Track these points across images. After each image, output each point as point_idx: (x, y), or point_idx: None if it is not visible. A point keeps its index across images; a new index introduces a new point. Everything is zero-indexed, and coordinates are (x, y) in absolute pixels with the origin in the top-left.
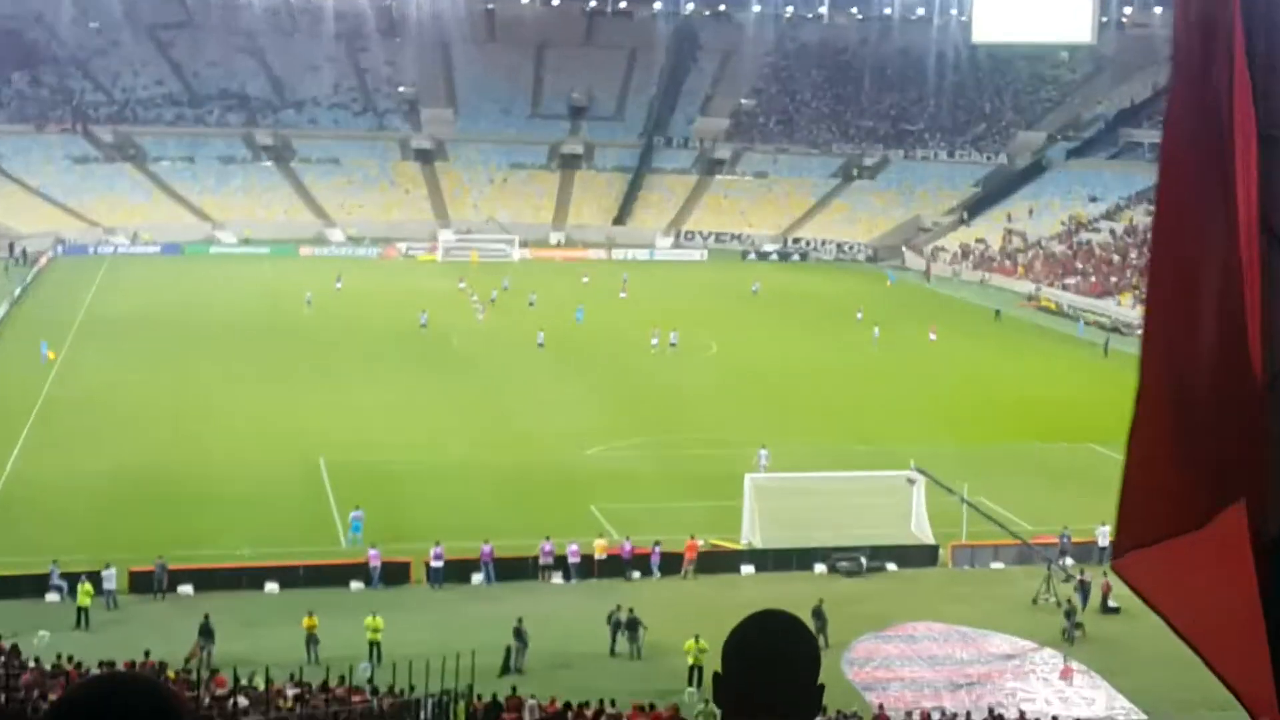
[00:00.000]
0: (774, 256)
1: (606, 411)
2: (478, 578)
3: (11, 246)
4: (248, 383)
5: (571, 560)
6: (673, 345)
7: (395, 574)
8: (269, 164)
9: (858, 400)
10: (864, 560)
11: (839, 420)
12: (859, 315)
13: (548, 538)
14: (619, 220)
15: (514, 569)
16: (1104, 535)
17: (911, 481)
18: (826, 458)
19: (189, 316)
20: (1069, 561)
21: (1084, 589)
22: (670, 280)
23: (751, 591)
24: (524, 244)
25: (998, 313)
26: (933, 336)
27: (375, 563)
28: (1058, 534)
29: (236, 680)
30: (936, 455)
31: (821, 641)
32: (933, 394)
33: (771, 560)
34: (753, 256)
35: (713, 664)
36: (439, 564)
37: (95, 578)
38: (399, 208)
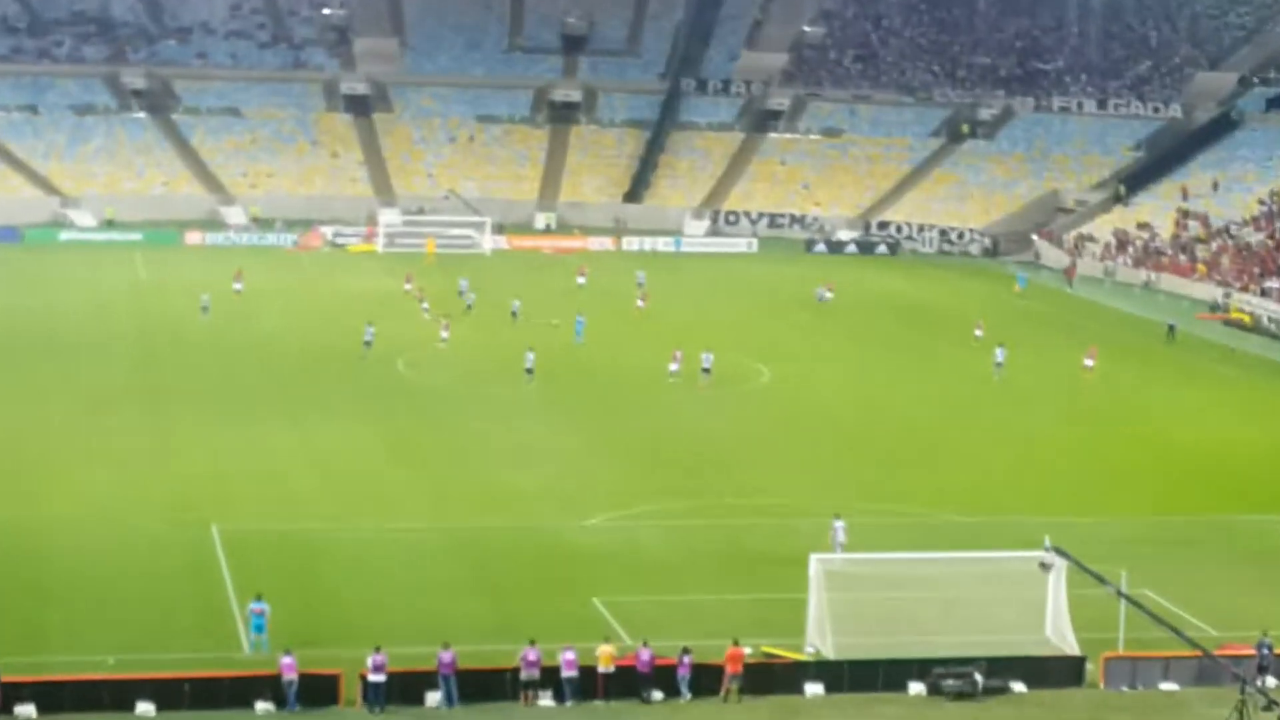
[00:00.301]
0: (851, 248)
1: (615, 465)
2: (434, 697)
3: None
4: (113, 421)
5: (566, 674)
6: (706, 371)
7: (319, 691)
8: (141, 115)
9: (971, 451)
10: (979, 678)
11: (944, 480)
12: (977, 332)
13: (532, 642)
14: (632, 196)
15: (485, 685)
16: None
17: (1046, 567)
18: (924, 533)
19: (29, 329)
20: (1271, 682)
21: None
22: (703, 280)
23: None
24: (499, 229)
25: (1171, 329)
26: (1089, 363)
27: (290, 675)
28: (1255, 642)
29: None
30: (1082, 529)
31: None
32: (1077, 443)
33: (848, 677)
34: (821, 248)
35: None
36: (379, 678)
37: None
38: (323, 178)
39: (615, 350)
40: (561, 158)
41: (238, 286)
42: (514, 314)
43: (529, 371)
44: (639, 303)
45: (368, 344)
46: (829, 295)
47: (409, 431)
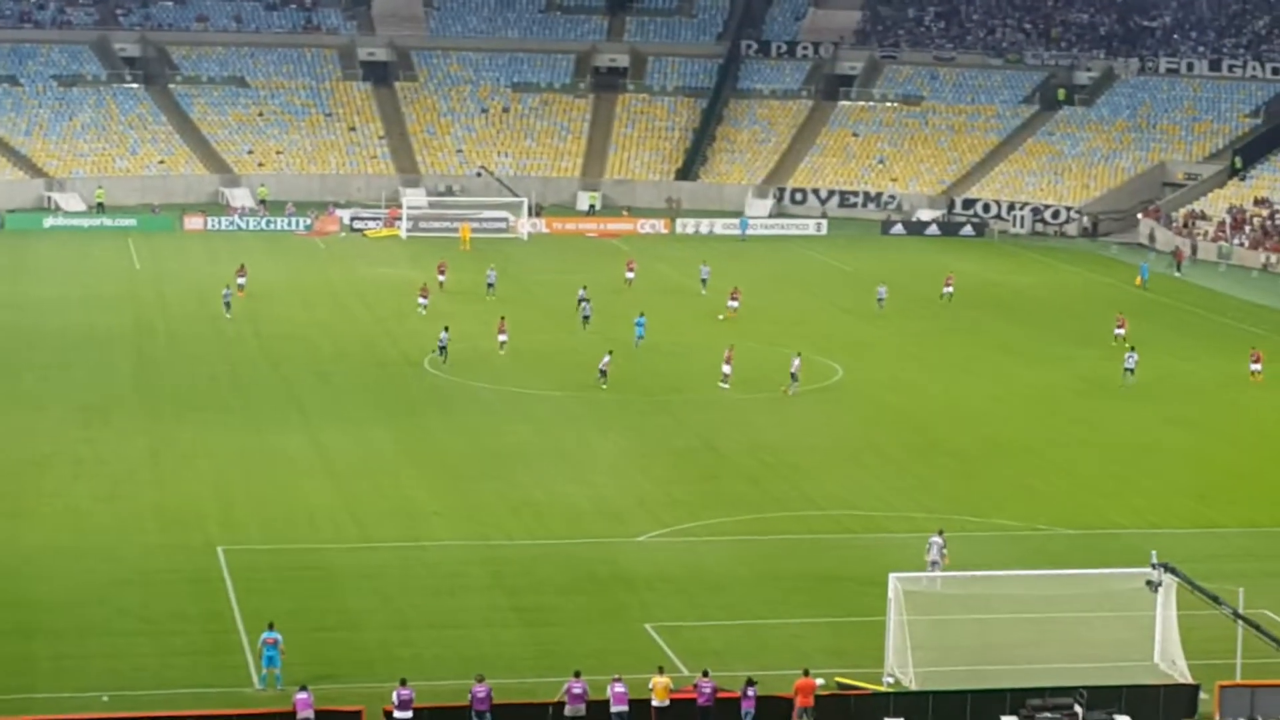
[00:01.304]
0: (932, 229)
1: (670, 475)
2: None
3: None
4: (106, 430)
5: (616, 709)
6: (793, 378)
7: None
8: (134, 86)
9: (1071, 456)
10: (1079, 709)
11: (1041, 489)
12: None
13: (577, 674)
14: (686, 173)
15: None
16: None
17: (1154, 585)
18: (1017, 547)
19: (11, 327)
20: None
21: None
22: (766, 267)
23: None
24: (537, 210)
25: None
26: (1256, 367)
27: (306, 713)
28: None
29: None
30: (1195, 543)
31: None
32: (1190, 448)
33: (932, 710)
34: (899, 229)
35: None
36: (406, 715)
37: None
38: (339, 155)
39: (674, 348)
40: (607, 130)
41: (241, 281)
42: (583, 311)
43: (602, 374)
44: (731, 304)
45: (442, 349)
46: (949, 291)
47: (437, 439)
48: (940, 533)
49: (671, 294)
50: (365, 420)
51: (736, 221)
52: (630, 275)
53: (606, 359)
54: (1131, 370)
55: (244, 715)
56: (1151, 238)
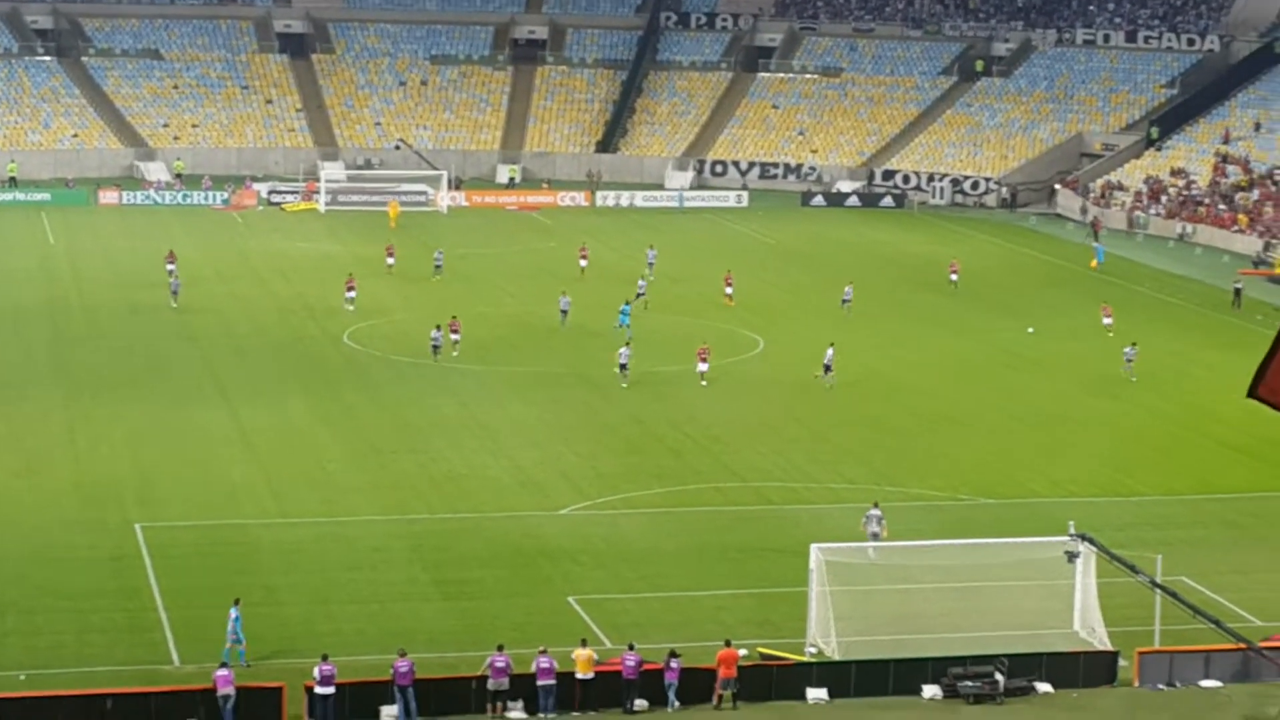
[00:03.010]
0: (853, 201)
1: (591, 448)
2: (390, 711)
3: None
4: (20, 408)
5: (541, 682)
6: (827, 369)
7: (259, 707)
8: (47, 60)
9: (990, 426)
10: (1001, 678)
11: (962, 459)
12: (1106, 320)
13: (500, 647)
14: (606, 145)
15: (448, 696)
16: None
17: (1072, 556)
18: (938, 518)
19: None
20: None
21: None
22: (688, 239)
23: None
24: (457, 183)
25: (1238, 294)
26: (1107, 321)
27: (226, 689)
28: None
29: None
30: (1114, 511)
31: None
32: (1109, 418)
33: (855, 680)
34: (819, 201)
35: None
36: (328, 690)
37: None
38: (256, 128)
39: (608, 333)
40: (526, 103)
41: (170, 268)
42: (640, 294)
43: (623, 369)
44: (727, 289)
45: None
46: (955, 279)
47: (358, 414)
48: (876, 505)
49: (606, 274)
50: (284, 395)
51: (657, 194)
52: (583, 263)
53: (625, 352)
54: (1131, 361)
55: (163, 692)
56: (1084, 210)
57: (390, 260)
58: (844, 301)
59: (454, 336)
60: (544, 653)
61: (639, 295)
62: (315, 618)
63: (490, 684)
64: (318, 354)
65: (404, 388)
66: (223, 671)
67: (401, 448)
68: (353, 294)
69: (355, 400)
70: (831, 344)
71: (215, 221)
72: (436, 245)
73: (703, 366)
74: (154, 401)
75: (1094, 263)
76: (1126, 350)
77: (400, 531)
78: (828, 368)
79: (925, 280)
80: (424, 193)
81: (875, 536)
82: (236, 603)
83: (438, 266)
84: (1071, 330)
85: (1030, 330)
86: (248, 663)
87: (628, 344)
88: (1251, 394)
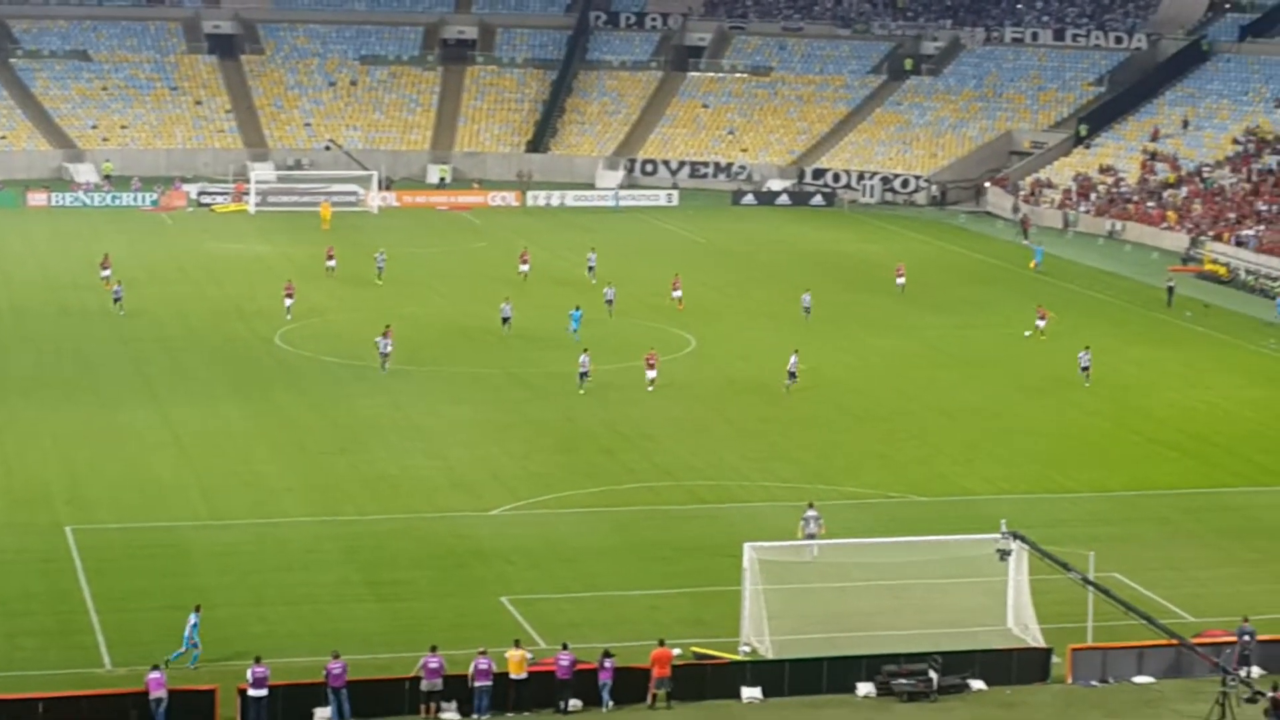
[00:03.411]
0: (783, 199)
1: (523, 448)
2: (324, 713)
3: None
4: None
5: (478, 684)
6: (792, 376)
7: (191, 710)
8: None
9: (925, 425)
10: (934, 675)
11: (897, 457)
12: (1040, 322)
13: (434, 648)
14: (537, 145)
15: (381, 698)
16: None
17: (1004, 554)
18: (871, 516)
19: None
20: (1256, 672)
21: (1279, 712)
22: (619, 238)
23: None
24: (387, 184)
25: (1170, 291)
26: (1041, 324)
27: (159, 692)
28: (1235, 629)
29: None
30: (1048, 508)
31: None
32: (1041, 415)
33: (789, 678)
34: (749, 199)
35: None
36: (260, 693)
37: None
38: (185, 129)
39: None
40: (456, 103)
41: (105, 274)
42: (609, 302)
43: (583, 377)
44: (675, 292)
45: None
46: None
47: (289, 415)
48: (812, 505)
49: (542, 276)
50: (215, 395)
51: (588, 194)
52: (524, 268)
53: (585, 360)
54: (1087, 369)
55: (94, 696)
56: (1017, 210)
57: (331, 263)
58: (805, 310)
59: (386, 346)
60: (483, 654)
61: (608, 303)
62: (248, 619)
63: (424, 685)
64: (249, 355)
65: (336, 389)
66: (155, 674)
67: (333, 449)
68: (291, 301)
69: (287, 402)
70: (796, 350)
71: (145, 223)
72: (370, 246)
73: (651, 374)
74: (84, 404)
75: (1032, 264)
76: (1081, 355)
77: (332, 533)
78: (792, 374)
79: (856, 278)
80: (354, 193)
81: (813, 537)
82: (197, 609)
83: (380, 269)
84: (1003, 328)
85: (1027, 334)
86: (195, 667)
87: (586, 350)
88: None
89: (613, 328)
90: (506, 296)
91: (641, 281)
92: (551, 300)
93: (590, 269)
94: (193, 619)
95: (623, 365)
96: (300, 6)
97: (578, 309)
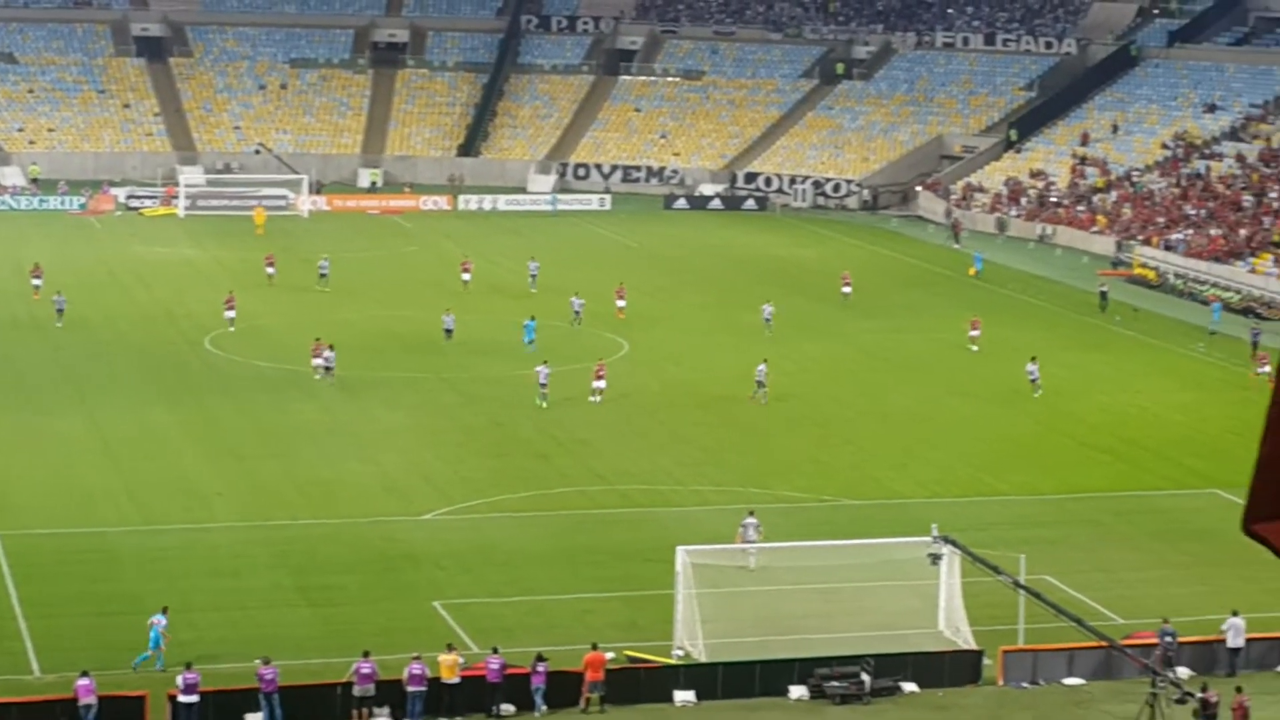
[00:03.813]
0: (715, 204)
1: (455, 452)
2: (256, 718)
3: None
4: None
5: (414, 689)
6: (760, 385)
7: (122, 716)
8: None
9: (857, 428)
10: (866, 678)
11: (828, 461)
12: (973, 333)
13: (366, 653)
14: (468, 149)
15: (313, 703)
16: (1235, 630)
17: (935, 559)
18: (804, 520)
19: None
20: (1184, 673)
21: (1208, 713)
22: (552, 243)
23: None
24: (318, 188)
25: (1104, 296)
26: (974, 334)
27: (88, 699)
28: (1156, 631)
29: None
30: (979, 511)
31: None
32: (973, 420)
33: (722, 682)
34: (682, 204)
35: None
36: (191, 699)
37: None
38: (113, 133)
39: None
40: (387, 106)
41: (36, 283)
42: (576, 313)
43: (542, 388)
44: (619, 301)
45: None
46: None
47: (219, 419)
48: (752, 513)
49: (480, 282)
50: (145, 401)
51: (520, 198)
52: (466, 277)
53: (543, 370)
54: (1036, 380)
55: (23, 703)
56: (949, 214)
57: (270, 270)
58: (766, 320)
59: (316, 361)
60: (417, 659)
61: (575, 314)
62: (178, 625)
63: (356, 690)
64: (179, 360)
65: (266, 393)
66: (84, 681)
67: (264, 453)
68: (232, 313)
69: (217, 406)
70: (764, 360)
71: (72, 227)
72: (303, 251)
73: (599, 384)
74: (11, 409)
75: (972, 270)
76: (1029, 367)
77: (263, 538)
78: (760, 383)
79: (789, 283)
80: (284, 197)
81: (750, 543)
82: (164, 610)
83: (323, 275)
84: (936, 332)
85: (974, 349)
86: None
87: (545, 362)
88: (1246, 530)
89: (546, 334)
90: (448, 308)
91: (574, 285)
92: (494, 309)
93: (532, 277)
94: (162, 621)
95: (554, 370)
96: (229, 9)
97: (532, 319)
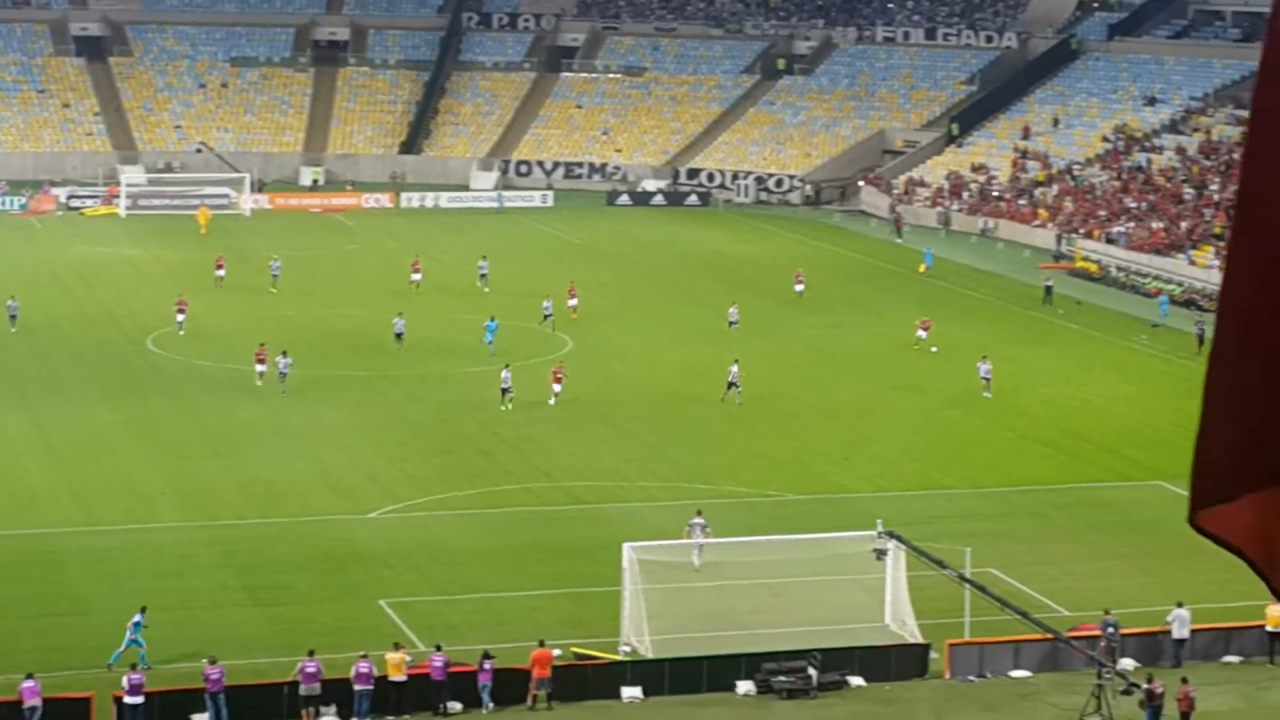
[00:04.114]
0: (658, 200)
1: (400, 450)
2: (201, 719)
3: None
4: None
5: (358, 687)
6: (733, 386)
7: (67, 718)
8: None
9: (801, 423)
10: (814, 673)
11: (773, 455)
12: (920, 334)
13: (311, 652)
14: (410, 147)
15: (260, 703)
16: (1180, 621)
17: (881, 554)
18: (749, 515)
19: None
20: (1129, 664)
21: (1153, 704)
22: (495, 240)
23: None
24: (260, 186)
25: (1048, 290)
26: (922, 334)
27: (33, 700)
28: (1099, 622)
29: None
30: (925, 504)
31: None
32: (918, 414)
33: (669, 678)
34: (624, 200)
35: None
36: (137, 699)
37: None
38: (53, 132)
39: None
40: (328, 105)
41: None
42: (546, 315)
43: (504, 393)
44: (570, 300)
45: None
46: (800, 288)
47: (162, 418)
48: (699, 513)
49: (429, 281)
50: (88, 401)
51: (463, 195)
52: (417, 277)
53: (506, 375)
54: (988, 379)
55: None
56: (893, 209)
57: (220, 272)
58: (730, 324)
59: (259, 368)
60: (364, 657)
61: (546, 317)
62: (124, 626)
63: (302, 689)
64: (121, 360)
65: (210, 393)
66: (29, 683)
67: (208, 453)
68: (182, 317)
69: (160, 406)
70: (736, 360)
71: (13, 227)
72: (245, 250)
73: (557, 387)
74: None
75: (922, 267)
76: (980, 366)
77: (208, 538)
78: (732, 384)
79: (732, 278)
80: (226, 196)
81: (699, 549)
82: (143, 610)
83: (275, 276)
84: (880, 326)
85: (934, 349)
86: (148, 666)
87: (508, 366)
88: (1192, 523)
89: (501, 331)
90: (400, 311)
91: (518, 281)
92: (441, 308)
93: (482, 276)
94: (137, 617)
95: (495, 368)
96: (169, 8)
97: (492, 320)
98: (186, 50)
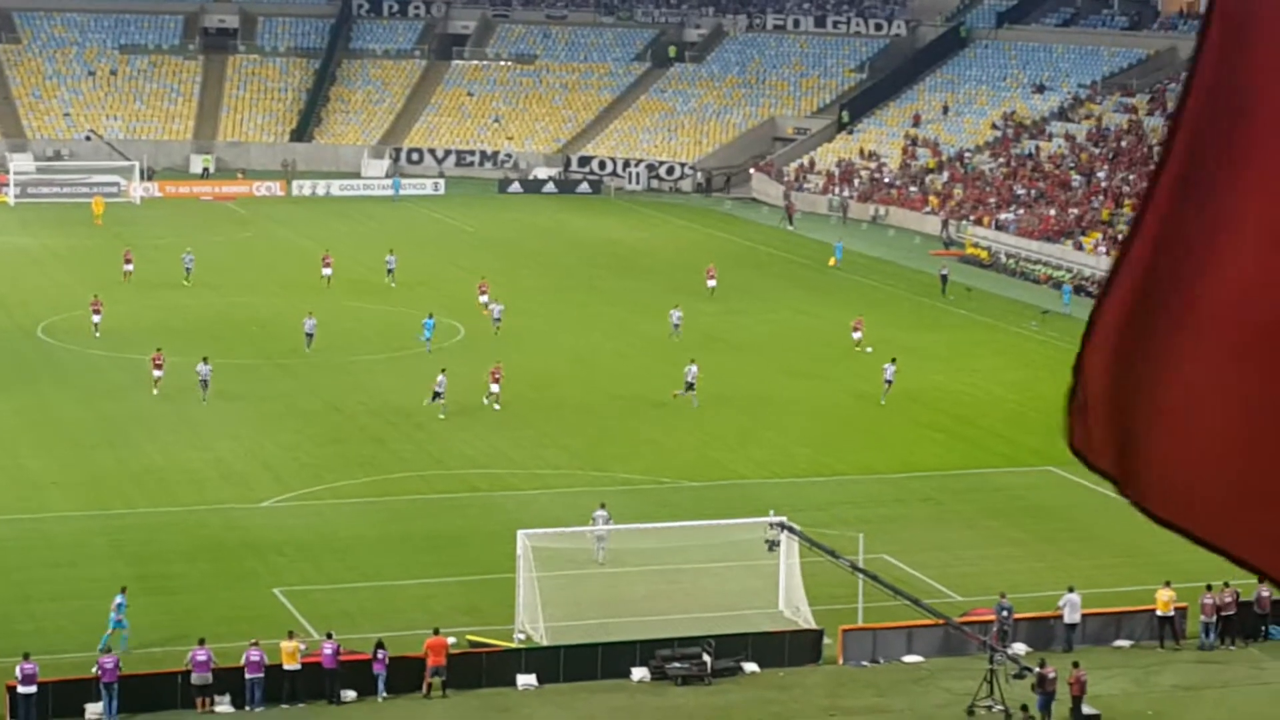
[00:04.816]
0: (550, 187)
1: (291, 438)
2: (95, 709)
3: None
4: None
5: (249, 675)
6: (690, 387)
7: None
8: None
9: (697, 411)
10: (708, 658)
11: (668, 442)
12: (856, 335)
13: (202, 641)
14: (301, 134)
15: (153, 692)
16: (1072, 606)
17: (773, 545)
18: (642, 502)
19: None
20: (1020, 649)
21: (1045, 688)
22: (386, 228)
23: (535, 716)
24: (149, 174)
25: (944, 279)
26: (857, 335)
27: None
28: (993, 606)
29: None
30: (819, 491)
31: None
32: (811, 400)
33: (564, 665)
34: (516, 188)
35: None
36: (30, 689)
37: None
38: None
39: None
40: (218, 92)
41: None
42: (495, 319)
43: (436, 396)
44: (493, 306)
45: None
46: (713, 284)
47: (53, 408)
48: (603, 505)
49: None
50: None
51: (355, 182)
52: (327, 272)
53: (442, 379)
54: (890, 383)
55: None
56: (787, 196)
57: (128, 266)
58: (674, 327)
59: (156, 373)
60: (255, 645)
61: (495, 321)
62: (15, 616)
63: (194, 679)
64: (11, 348)
65: (101, 381)
66: None
67: (100, 442)
68: (99, 318)
69: (51, 395)
70: (693, 360)
71: None
72: (139, 239)
73: (495, 388)
74: None
75: (832, 260)
76: (886, 368)
77: (100, 527)
78: (690, 385)
79: (625, 265)
80: (117, 184)
81: (601, 538)
82: (123, 590)
83: (188, 270)
84: (772, 313)
85: (869, 349)
86: (126, 650)
87: (444, 370)
88: (1071, 446)
89: (379, 316)
90: (310, 310)
91: (412, 269)
92: (354, 304)
93: (389, 271)
94: (119, 599)
95: (383, 356)
96: None
97: (430, 317)
98: (75, 37)
